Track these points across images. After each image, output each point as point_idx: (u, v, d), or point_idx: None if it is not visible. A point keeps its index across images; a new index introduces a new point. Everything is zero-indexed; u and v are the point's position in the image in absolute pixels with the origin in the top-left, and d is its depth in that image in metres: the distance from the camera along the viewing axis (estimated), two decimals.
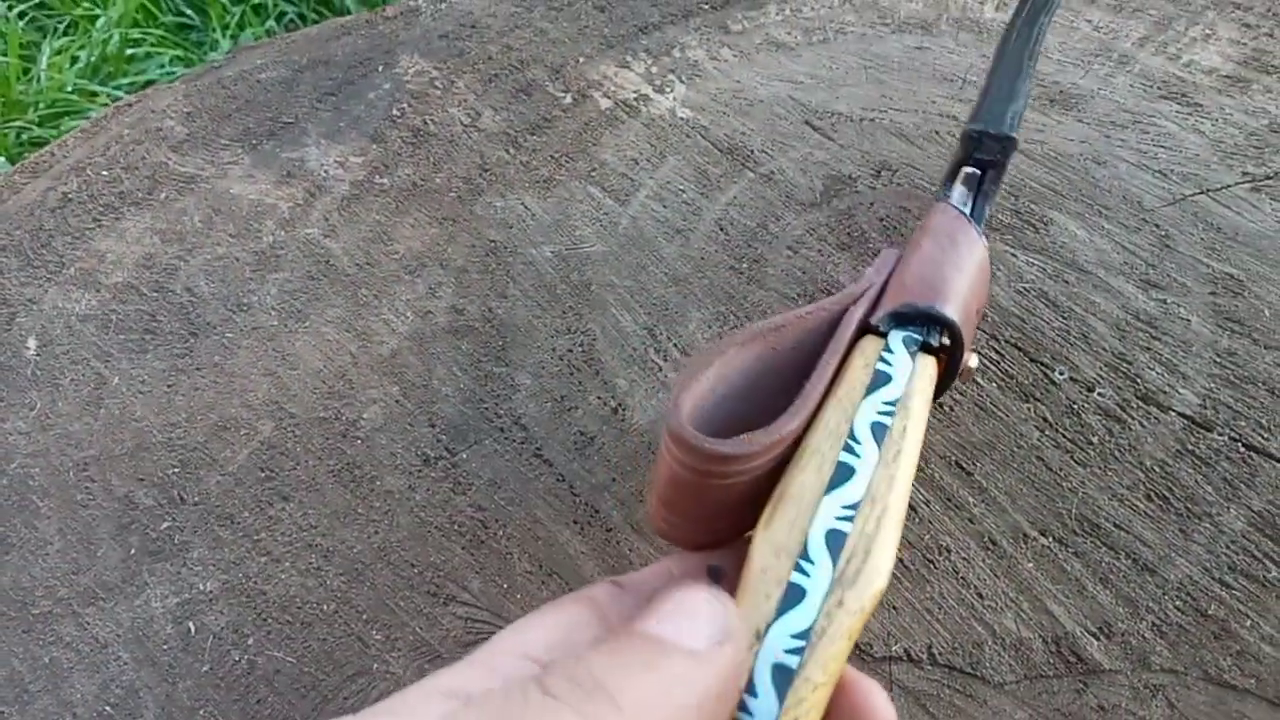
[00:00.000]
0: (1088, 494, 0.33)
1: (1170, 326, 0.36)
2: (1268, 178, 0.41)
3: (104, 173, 0.46)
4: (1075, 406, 0.35)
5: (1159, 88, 0.46)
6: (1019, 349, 0.36)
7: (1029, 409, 0.35)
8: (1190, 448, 0.34)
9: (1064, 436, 0.34)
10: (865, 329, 0.27)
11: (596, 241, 0.42)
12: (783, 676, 0.19)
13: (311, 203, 0.43)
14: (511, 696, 0.16)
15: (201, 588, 0.33)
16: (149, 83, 1.30)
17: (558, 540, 0.33)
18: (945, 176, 0.35)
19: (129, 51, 1.31)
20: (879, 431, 0.23)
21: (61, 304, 0.41)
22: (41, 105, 1.22)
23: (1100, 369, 0.36)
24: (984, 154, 0.34)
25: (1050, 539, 0.32)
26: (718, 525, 0.23)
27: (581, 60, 0.48)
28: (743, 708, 0.19)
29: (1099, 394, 0.35)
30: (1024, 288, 0.38)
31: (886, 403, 0.24)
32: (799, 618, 0.20)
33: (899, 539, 0.22)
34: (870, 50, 0.49)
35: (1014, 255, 0.39)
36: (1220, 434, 0.34)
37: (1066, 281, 0.38)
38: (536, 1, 0.51)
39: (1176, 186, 0.41)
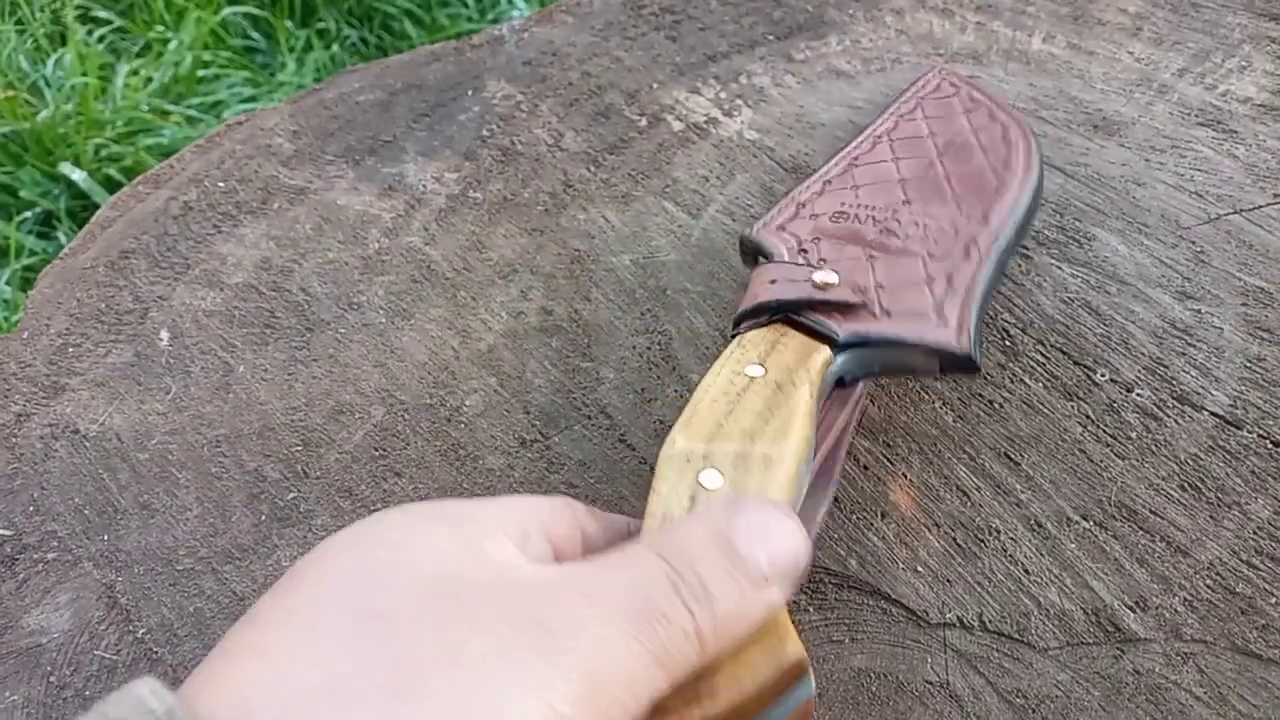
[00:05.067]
0: (1126, 483, 0.36)
1: (1204, 334, 0.40)
2: None
3: (220, 184, 0.51)
4: (1115, 405, 0.38)
5: (1196, 115, 0.49)
6: (1063, 353, 0.40)
7: (1072, 407, 0.38)
8: (1221, 444, 0.37)
9: (1104, 432, 0.37)
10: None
11: (671, 251, 0.45)
12: None
13: (412, 214, 0.48)
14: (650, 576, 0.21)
15: None
16: (218, 103, 1.37)
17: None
18: None
19: (199, 73, 1.37)
20: None
21: (189, 300, 0.46)
22: (119, 123, 1.28)
23: (1139, 371, 0.39)
24: None
25: (1091, 523, 0.35)
26: None
27: (655, 86, 0.53)
28: None
29: (1137, 394, 0.38)
30: (1068, 297, 0.41)
31: None
32: None
33: None
34: None
35: (1059, 268, 0.42)
36: (1249, 432, 0.37)
37: (1108, 292, 0.41)
38: (612, 32, 0.56)
39: (1211, 206, 0.44)
